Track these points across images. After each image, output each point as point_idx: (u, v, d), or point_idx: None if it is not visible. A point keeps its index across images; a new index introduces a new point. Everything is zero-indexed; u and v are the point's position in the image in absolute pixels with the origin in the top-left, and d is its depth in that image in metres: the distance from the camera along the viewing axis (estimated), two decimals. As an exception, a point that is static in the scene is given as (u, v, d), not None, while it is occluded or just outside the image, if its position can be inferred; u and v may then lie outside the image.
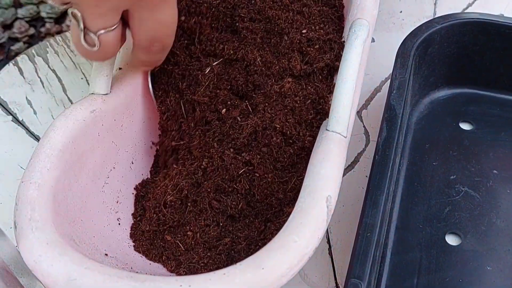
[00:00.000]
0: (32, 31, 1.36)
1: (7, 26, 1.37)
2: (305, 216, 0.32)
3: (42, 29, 1.36)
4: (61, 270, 0.30)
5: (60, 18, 1.37)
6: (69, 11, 0.34)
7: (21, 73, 0.55)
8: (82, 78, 0.54)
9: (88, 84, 0.53)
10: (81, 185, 0.37)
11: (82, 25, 0.34)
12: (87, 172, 0.38)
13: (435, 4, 0.58)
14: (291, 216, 0.32)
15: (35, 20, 1.38)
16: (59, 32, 1.34)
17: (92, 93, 0.40)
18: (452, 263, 0.41)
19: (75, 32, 0.35)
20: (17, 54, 1.30)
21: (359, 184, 0.46)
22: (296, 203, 0.33)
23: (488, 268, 0.41)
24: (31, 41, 1.35)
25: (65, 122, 0.36)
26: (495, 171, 0.46)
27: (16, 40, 1.34)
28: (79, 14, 0.33)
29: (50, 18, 1.37)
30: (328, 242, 0.44)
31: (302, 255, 0.31)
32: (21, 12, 1.38)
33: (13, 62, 0.56)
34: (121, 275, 0.30)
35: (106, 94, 0.40)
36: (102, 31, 0.34)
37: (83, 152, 0.37)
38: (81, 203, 0.37)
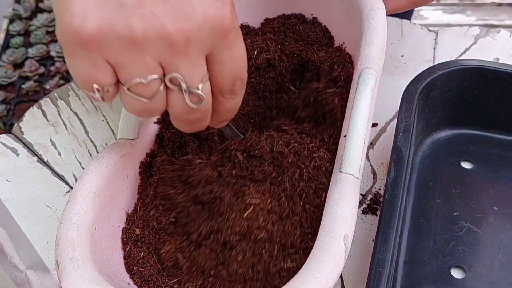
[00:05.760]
0: (42, 69, 1.39)
1: (18, 65, 1.40)
2: (325, 253, 0.35)
3: (52, 68, 1.40)
4: (103, 306, 0.32)
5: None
6: (168, 79, 0.33)
7: (45, 115, 0.58)
8: (102, 120, 0.57)
9: (109, 125, 0.56)
10: (111, 225, 0.40)
11: (184, 85, 0.33)
12: (118, 212, 0.41)
13: (434, 48, 0.62)
14: (311, 253, 0.35)
15: (45, 59, 1.42)
16: (68, 71, 1.38)
17: (121, 138, 0.42)
18: (458, 295, 0.44)
19: (177, 101, 0.34)
20: (27, 92, 1.33)
21: (367, 221, 0.49)
22: (315, 241, 0.36)
23: (492, 300, 0.43)
24: (41, 79, 1.38)
25: (99, 167, 0.39)
26: (495, 208, 0.49)
27: (27, 78, 1.38)
28: (178, 76, 0.33)
29: (60, 57, 1.41)
30: (341, 276, 0.46)
31: (322, 290, 0.34)
32: (31, 51, 1.42)
33: (37, 105, 0.59)
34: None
35: (134, 139, 0.43)
36: (201, 84, 0.34)
37: (114, 194, 0.40)
38: (112, 241, 0.39)
